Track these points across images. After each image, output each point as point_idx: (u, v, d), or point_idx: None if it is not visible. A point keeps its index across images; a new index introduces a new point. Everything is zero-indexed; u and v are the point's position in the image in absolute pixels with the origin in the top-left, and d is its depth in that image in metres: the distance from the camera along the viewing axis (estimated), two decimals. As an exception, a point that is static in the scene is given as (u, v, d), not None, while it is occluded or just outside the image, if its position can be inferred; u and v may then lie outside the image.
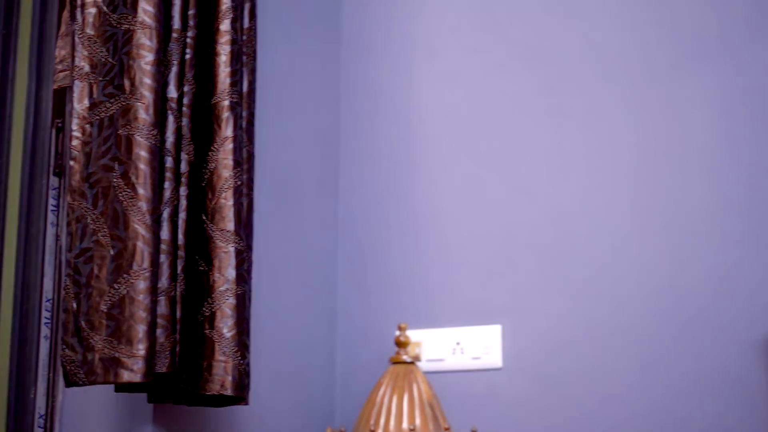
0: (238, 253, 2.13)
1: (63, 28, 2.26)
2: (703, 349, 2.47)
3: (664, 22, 2.64)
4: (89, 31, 2.08)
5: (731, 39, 2.57)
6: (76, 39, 2.08)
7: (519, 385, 2.63)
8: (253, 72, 2.30)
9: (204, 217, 2.15)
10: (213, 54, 2.20)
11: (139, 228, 2.00)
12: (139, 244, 1.99)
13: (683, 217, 2.54)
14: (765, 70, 2.52)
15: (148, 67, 2.07)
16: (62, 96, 2.45)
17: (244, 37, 2.29)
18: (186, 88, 2.20)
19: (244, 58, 2.27)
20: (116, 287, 1.97)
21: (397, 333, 2.60)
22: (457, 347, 2.71)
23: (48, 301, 2.59)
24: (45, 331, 2.57)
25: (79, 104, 2.05)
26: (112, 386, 2.16)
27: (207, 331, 2.10)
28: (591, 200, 2.63)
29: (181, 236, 2.16)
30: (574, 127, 2.69)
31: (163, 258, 2.10)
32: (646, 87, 2.64)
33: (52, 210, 2.62)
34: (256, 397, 2.40)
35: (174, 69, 2.18)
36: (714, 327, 2.46)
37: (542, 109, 2.73)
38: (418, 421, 2.48)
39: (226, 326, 2.10)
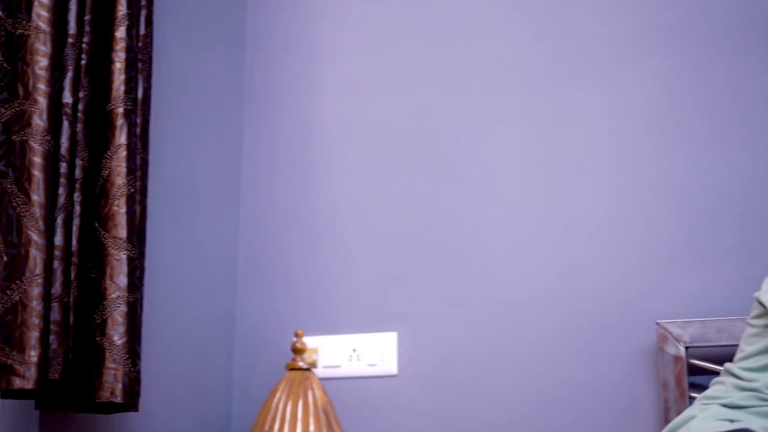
0: (130, 261, 2.14)
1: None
2: (591, 357, 2.53)
3: (561, 36, 2.71)
4: (-18, 35, 2.06)
5: (624, 53, 2.64)
6: (-31, 43, 2.06)
7: (413, 391, 2.67)
8: (148, 79, 2.30)
9: (97, 224, 2.15)
10: (108, 61, 2.20)
11: (33, 234, 1.99)
12: (33, 250, 1.98)
13: (574, 228, 2.60)
14: (656, 84, 2.60)
15: (42, 73, 2.05)
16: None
17: (140, 44, 2.28)
18: (81, 94, 2.20)
19: (140, 65, 2.27)
20: (9, 293, 1.96)
21: (294, 339, 2.62)
22: (353, 354, 2.74)
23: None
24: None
25: (-28, 109, 2.03)
26: (-1, 392, 2.14)
27: (98, 339, 2.10)
28: (486, 210, 2.69)
29: (74, 243, 2.15)
30: (470, 138, 2.74)
31: (56, 264, 2.09)
32: (542, 99, 2.70)
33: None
34: (151, 404, 2.40)
35: (69, 74, 2.17)
36: (602, 336, 2.53)
37: (441, 120, 2.77)
38: (312, 428, 2.50)
39: (117, 333, 2.10)
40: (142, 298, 2.18)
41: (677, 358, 2.40)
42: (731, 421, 1.91)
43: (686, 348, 2.40)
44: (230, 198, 2.91)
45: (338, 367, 2.74)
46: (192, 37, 2.80)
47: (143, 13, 2.30)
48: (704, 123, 2.55)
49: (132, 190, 2.16)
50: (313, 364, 2.69)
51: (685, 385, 2.37)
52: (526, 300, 2.61)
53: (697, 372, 2.38)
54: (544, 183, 2.65)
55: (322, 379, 2.66)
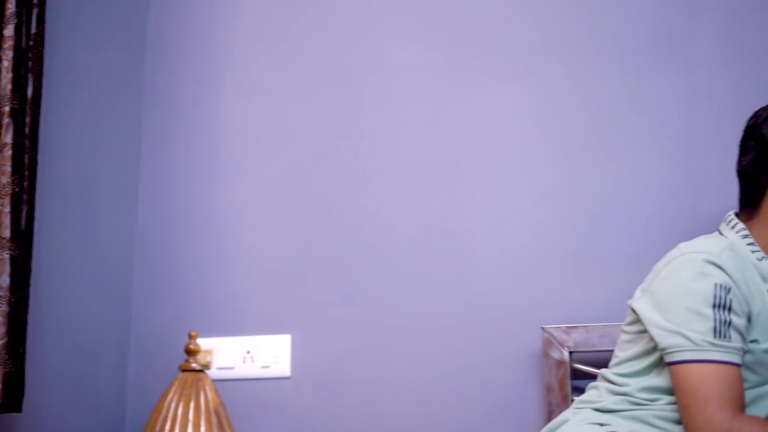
0: (14, 261, 2.12)
1: None
2: (480, 360, 2.58)
3: (460, 44, 2.75)
4: None
5: (520, 63, 2.69)
6: None
7: (306, 393, 2.69)
8: (39, 78, 2.29)
9: (-20, 224, 2.13)
10: (-5, 59, 2.19)
11: None
12: None
13: (466, 234, 2.65)
14: (549, 94, 2.65)
15: (-74, 70, 2.04)
16: None
17: (31, 43, 2.27)
18: (-32, 93, 2.18)
19: (30, 63, 2.26)
20: None
21: (187, 341, 2.62)
22: (247, 356, 2.75)
23: None
24: None
25: None
26: None
27: (-22, 339, 2.09)
28: (381, 214, 2.72)
29: (-43, 243, 2.14)
30: (368, 142, 2.77)
31: (-62, 265, 2.07)
32: (439, 105, 2.73)
33: None
34: (38, 405, 2.39)
35: (-45, 73, 2.16)
36: (490, 340, 2.58)
37: (339, 124, 2.80)
38: (203, 429, 2.50)
39: (-2, 334, 2.08)
40: (27, 298, 2.17)
41: (561, 363, 2.45)
42: (601, 424, 1.96)
43: (570, 353, 2.46)
44: (128, 199, 2.90)
45: (232, 368, 2.75)
46: (90, 36, 2.78)
47: (35, 11, 2.29)
48: (593, 133, 2.61)
49: (17, 190, 2.15)
50: (207, 366, 2.69)
51: (568, 389, 2.43)
52: (417, 303, 2.64)
53: (580, 376, 2.44)
54: (439, 188, 2.69)
55: (216, 381, 2.67)
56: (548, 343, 2.47)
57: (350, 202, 2.75)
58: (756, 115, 2.07)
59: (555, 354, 2.46)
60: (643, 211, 2.54)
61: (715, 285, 1.91)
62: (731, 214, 2.11)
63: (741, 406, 1.88)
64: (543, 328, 2.48)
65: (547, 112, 2.65)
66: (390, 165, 2.74)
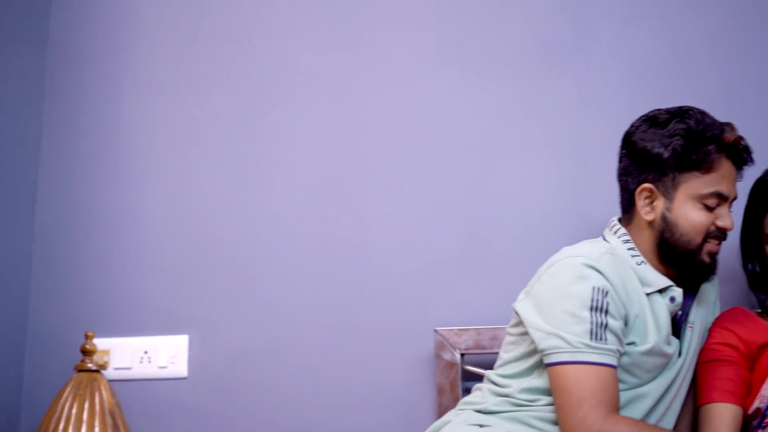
0: None
1: None
2: (374, 362, 2.61)
3: (360, 47, 2.77)
4: None
5: (418, 68, 2.73)
6: None
7: (202, 394, 2.69)
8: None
9: None
10: None
11: None
12: None
13: (361, 236, 2.68)
14: (445, 99, 2.69)
15: None
16: None
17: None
18: None
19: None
20: None
21: (83, 341, 2.60)
22: (144, 356, 2.74)
23: None
24: None
25: None
26: None
27: None
28: (280, 216, 2.73)
29: None
30: (269, 144, 2.78)
31: None
32: (338, 108, 2.75)
33: None
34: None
35: None
36: (384, 342, 2.61)
37: (239, 125, 2.80)
38: (97, 430, 2.49)
39: None
40: None
41: (452, 364, 2.49)
42: (481, 425, 2.00)
43: (462, 355, 2.50)
44: (26, 197, 2.87)
45: (129, 369, 2.74)
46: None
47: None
48: (488, 138, 2.65)
49: None
50: (104, 366, 2.67)
51: (459, 391, 2.47)
52: (313, 305, 2.66)
53: (471, 377, 2.47)
54: (337, 191, 2.71)
55: (112, 381, 2.66)
56: (440, 345, 2.51)
57: (248, 204, 2.76)
58: (632, 125, 2.14)
59: (447, 356, 2.50)
60: (536, 215, 2.59)
61: (593, 288, 1.96)
62: (614, 220, 2.17)
63: (615, 406, 1.93)
64: (435, 331, 2.52)
65: (443, 117, 2.69)
66: (288, 167, 2.75)
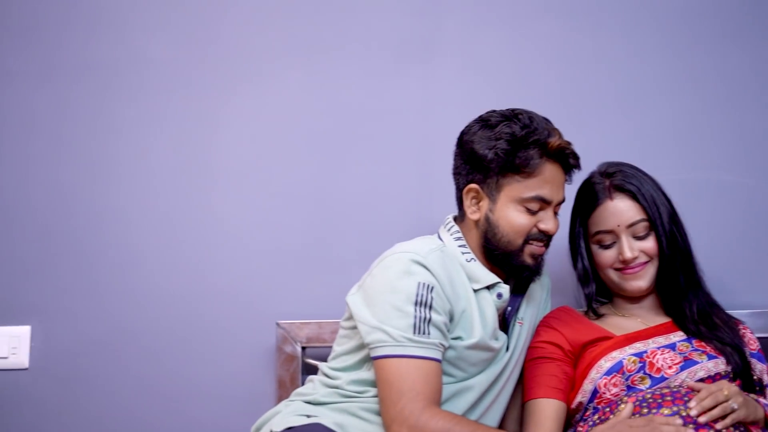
0: None
1: None
2: (217, 354, 2.63)
3: (212, 41, 2.77)
4: None
5: (268, 62, 2.74)
6: None
7: (44, 385, 2.66)
8: None
9: None
10: None
11: None
12: None
13: (209, 229, 2.69)
14: (295, 94, 2.72)
15: None
16: None
17: None
18: None
19: None
20: None
21: None
22: (-15, 347, 2.70)
23: None
24: None
25: None
26: None
27: None
28: (126, 207, 2.72)
29: None
30: (114, 135, 2.76)
31: None
32: (190, 102, 2.75)
33: None
34: None
35: None
36: (227, 334, 2.63)
37: (87, 114, 2.78)
38: (-70, 421, 2.46)
39: None
40: None
41: (293, 357, 2.52)
42: (308, 416, 2.03)
43: (303, 348, 2.53)
44: None
45: (-30, 359, 2.70)
46: None
47: None
48: (335, 136, 2.69)
49: None
50: (-56, 356, 2.63)
51: (299, 383, 2.50)
52: (158, 297, 2.66)
53: (313, 371, 2.50)
54: (184, 184, 2.71)
55: (-49, 371, 2.62)
56: (282, 338, 2.54)
57: (95, 194, 2.74)
58: (467, 125, 2.20)
59: (288, 348, 2.53)
60: (381, 212, 2.64)
61: (419, 284, 2.01)
62: (450, 217, 2.23)
63: (435, 399, 1.97)
64: (278, 324, 2.55)
65: (291, 114, 2.72)
66: (136, 158, 2.74)
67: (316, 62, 2.72)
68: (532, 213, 2.12)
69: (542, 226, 2.13)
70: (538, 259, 2.17)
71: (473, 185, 2.13)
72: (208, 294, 2.65)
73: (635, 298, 2.28)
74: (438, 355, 2.01)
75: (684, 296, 2.23)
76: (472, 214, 2.15)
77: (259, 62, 2.74)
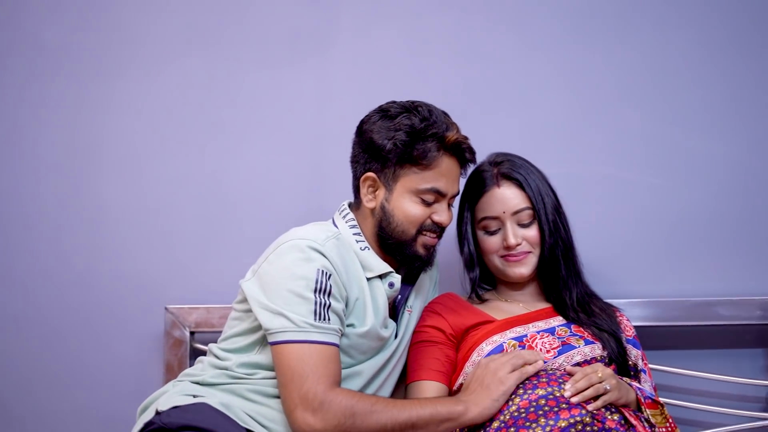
0: None
1: None
2: (106, 339, 2.63)
3: (107, 27, 2.74)
4: None
5: (163, 50, 2.73)
6: None
7: None
8: None
9: None
10: None
11: None
12: None
13: (100, 213, 2.68)
14: (191, 81, 2.71)
15: None
16: None
17: None
18: None
19: None
20: None
21: None
22: None
23: None
24: None
25: None
26: None
27: None
28: (18, 191, 2.69)
29: None
30: (8, 120, 2.72)
31: None
32: (83, 86, 2.73)
33: None
34: None
35: None
36: (117, 319, 2.63)
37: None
38: None
39: None
40: None
41: (181, 342, 2.53)
42: (195, 396, 2.04)
43: (191, 332, 2.54)
44: None
45: None
46: None
47: None
48: (231, 123, 2.71)
49: None
50: None
51: (187, 368, 2.49)
52: (46, 281, 2.65)
53: (201, 355, 2.50)
54: (77, 167, 2.69)
55: None
56: (171, 322, 2.54)
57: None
58: (367, 115, 2.23)
59: (176, 333, 2.53)
60: (274, 199, 2.67)
61: (318, 270, 2.03)
62: (345, 204, 2.26)
63: (336, 381, 2.00)
64: (166, 308, 2.55)
65: (186, 102, 2.72)
66: (29, 142, 2.71)
67: (213, 51, 2.72)
68: (427, 204, 2.16)
69: (436, 217, 2.18)
70: (430, 250, 2.22)
71: (370, 174, 2.17)
72: (98, 278, 2.64)
73: (518, 284, 2.36)
74: (337, 341, 2.04)
75: (564, 284, 2.31)
76: (368, 202, 2.18)
77: (156, 50, 2.73)
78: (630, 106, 2.70)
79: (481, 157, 2.34)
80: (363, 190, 2.19)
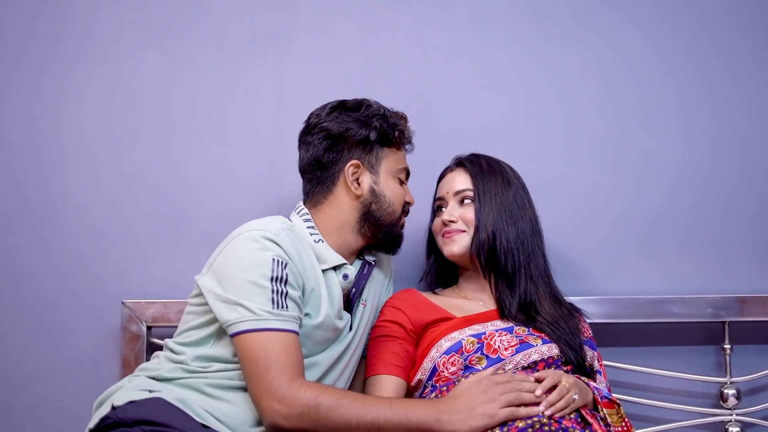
0: None
1: None
2: (62, 333, 2.61)
3: (63, 19, 2.73)
4: None
5: (121, 43, 2.73)
6: None
7: None
8: None
9: None
10: None
11: None
12: None
13: (56, 207, 2.66)
14: (150, 75, 2.71)
15: None
16: None
17: None
18: None
19: None
20: None
21: None
22: None
23: None
24: None
25: None
26: None
27: None
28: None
29: None
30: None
31: None
32: (40, 77, 2.71)
33: None
34: None
35: None
36: (72, 313, 2.61)
37: None
38: None
39: None
40: None
41: (138, 336, 2.52)
42: (150, 391, 2.04)
43: (148, 327, 2.53)
44: None
45: None
46: None
47: None
48: (188, 117, 2.71)
49: None
50: None
51: (143, 362, 2.49)
52: (2, 274, 2.63)
53: (157, 350, 2.50)
54: (33, 159, 2.68)
55: None
56: (128, 317, 2.53)
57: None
58: (316, 115, 2.29)
59: (133, 328, 2.52)
60: (231, 194, 2.66)
61: (273, 260, 2.05)
62: (300, 203, 2.29)
63: (299, 370, 2.01)
64: (123, 303, 2.54)
65: (144, 95, 2.71)
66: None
67: (170, 45, 2.72)
68: (401, 184, 2.30)
69: (407, 197, 2.32)
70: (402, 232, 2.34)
71: (354, 161, 2.23)
72: (53, 272, 2.62)
73: (476, 282, 2.37)
74: (296, 328, 2.05)
75: (508, 282, 2.31)
76: (356, 189, 2.23)
77: (113, 43, 2.72)
78: (585, 105, 2.73)
79: (438, 156, 2.47)
80: (349, 179, 2.24)
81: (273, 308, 2.02)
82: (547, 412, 2.02)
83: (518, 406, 2.00)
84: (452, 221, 2.34)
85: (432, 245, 2.46)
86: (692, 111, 2.74)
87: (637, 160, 2.72)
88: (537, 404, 2.02)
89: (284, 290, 2.04)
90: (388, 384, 2.23)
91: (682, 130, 2.73)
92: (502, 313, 2.29)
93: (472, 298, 2.37)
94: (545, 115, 2.73)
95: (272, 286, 2.03)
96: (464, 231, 2.33)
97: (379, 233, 2.27)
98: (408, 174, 2.33)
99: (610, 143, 2.72)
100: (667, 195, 2.71)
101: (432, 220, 2.45)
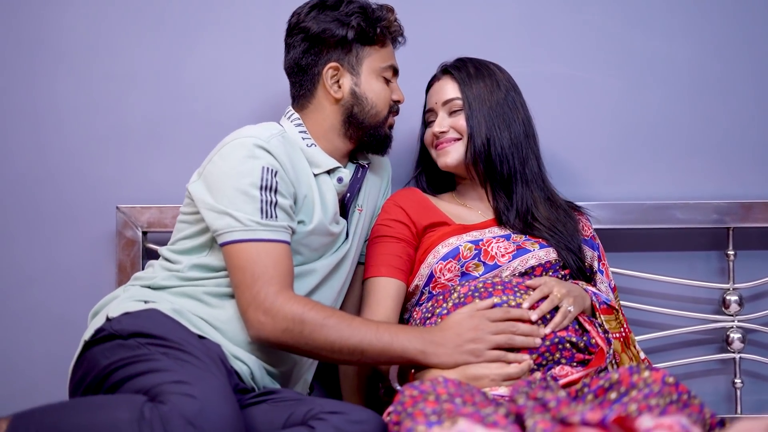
0: None
1: None
2: (57, 240, 2.58)
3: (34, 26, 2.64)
4: None
5: (100, 42, 2.63)
6: None
7: None
8: None
9: None
10: None
11: None
12: None
13: (47, 111, 2.60)
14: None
15: None
16: None
17: None
18: None
19: None
20: None
21: None
22: None
23: None
24: None
25: None
26: None
27: None
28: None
29: None
30: None
31: None
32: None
33: None
34: None
35: None
36: (67, 219, 2.58)
37: None
38: None
39: None
40: None
41: (133, 242, 2.50)
42: (146, 301, 2.02)
43: (144, 233, 2.50)
44: None
45: None
46: None
47: None
48: (182, 18, 2.62)
49: None
50: None
51: (140, 268, 2.48)
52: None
53: (154, 256, 2.48)
54: (24, 59, 2.60)
55: None
56: (123, 222, 2.50)
57: None
58: (296, 14, 2.22)
59: (129, 233, 2.50)
60: (226, 96, 2.61)
61: (263, 168, 2.00)
62: (289, 107, 2.24)
63: (288, 282, 1.99)
64: (118, 208, 2.51)
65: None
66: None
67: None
68: (387, 83, 2.22)
69: (395, 96, 2.24)
70: (391, 132, 2.27)
71: (332, 63, 2.17)
72: (47, 178, 2.58)
73: (473, 190, 2.33)
74: (287, 238, 2.01)
75: (505, 187, 2.26)
76: (336, 93, 2.17)
77: (87, 41, 2.63)
78: (590, 3, 2.65)
79: (437, 58, 2.38)
80: (328, 82, 2.17)
81: (262, 218, 1.98)
82: (547, 330, 2.00)
83: (508, 350, 1.98)
84: (443, 132, 2.28)
85: (423, 156, 2.40)
86: (702, 12, 2.65)
87: (644, 62, 2.64)
88: (527, 350, 2.00)
89: (274, 199, 2.00)
90: (389, 286, 2.20)
91: (692, 32, 2.65)
92: (500, 221, 2.26)
93: (471, 207, 2.33)
94: (547, 12, 2.65)
95: (261, 195, 1.99)
96: (458, 138, 2.27)
97: (364, 136, 2.21)
98: (396, 71, 2.24)
99: (616, 44, 2.64)
100: (673, 98, 2.64)
101: (423, 132, 2.39)
